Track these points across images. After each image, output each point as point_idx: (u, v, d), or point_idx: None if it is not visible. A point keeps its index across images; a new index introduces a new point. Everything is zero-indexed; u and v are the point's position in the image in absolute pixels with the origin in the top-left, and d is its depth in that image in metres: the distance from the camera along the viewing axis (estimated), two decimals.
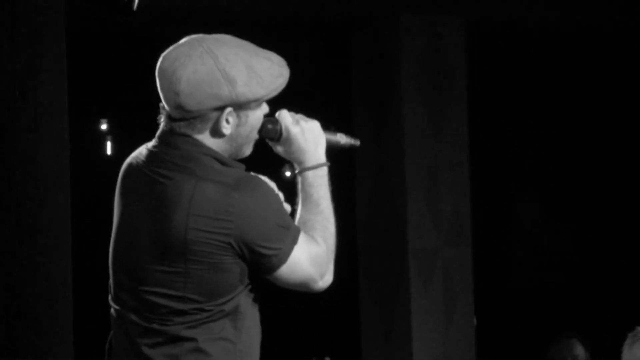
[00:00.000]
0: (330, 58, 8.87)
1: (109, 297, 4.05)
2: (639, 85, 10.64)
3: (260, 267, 3.88)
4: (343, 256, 4.22)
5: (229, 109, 3.86)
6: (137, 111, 9.81)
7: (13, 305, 2.63)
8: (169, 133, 3.92)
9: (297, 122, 4.02)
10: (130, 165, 4.01)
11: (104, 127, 10.35)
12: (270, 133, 4.01)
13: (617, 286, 10.89)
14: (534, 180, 11.10)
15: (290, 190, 4.19)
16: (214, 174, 3.86)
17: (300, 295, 4.21)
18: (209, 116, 3.89)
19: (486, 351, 8.50)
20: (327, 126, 4.09)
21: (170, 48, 3.94)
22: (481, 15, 8.22)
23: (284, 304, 4.22)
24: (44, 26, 2.70)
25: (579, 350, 7.68)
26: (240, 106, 3.88)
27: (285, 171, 4.36)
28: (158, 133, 3.96)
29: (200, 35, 3.92)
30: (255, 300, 4.01)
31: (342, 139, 4.17)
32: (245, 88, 3.86)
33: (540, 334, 8.05)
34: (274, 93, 3.92)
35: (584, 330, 7.94)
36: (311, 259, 3.96)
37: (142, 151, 3.98)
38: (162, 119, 3.94)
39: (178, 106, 3.87)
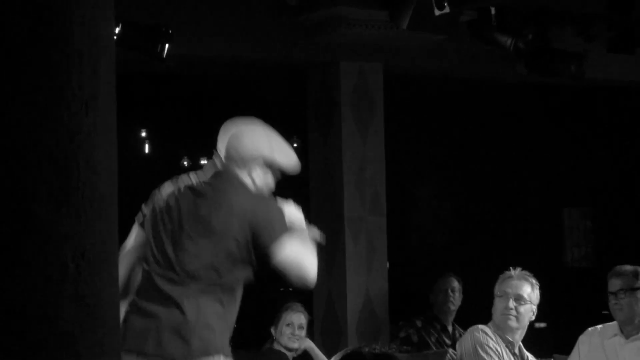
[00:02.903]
0: (291, 91, 8.86)
1: (150, 261, 4.00)
2: (493, 111, 10.72)
3: (262, 241, 3.92)
4: None
5: (261, 163, 3.97)
6: (166, 123, 9.80)
7: (78, 253, 2.63)
8: (226, 171, 4.00)
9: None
10: (186, 186, 4.02)
11: (143, 134, 10.30)
12: None
13: (485, 243, 10.94)
14: (428, 172, 11.14)
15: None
16: (245, 189, 3.97)
17: None
18: (248, 163, 4.01)
19: (395, 285, 8.51)
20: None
21: (244, 127, 4.06)
22: (394, 63, 8.24)
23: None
24: (102, 66, 2.71)
25: (455, 283, 7.68)
26: (267, 164, 3.99)
27: None
28: (211, 169, 4.02)
29: (263, 125, 4.07)
30: (241, 289, 4.02)
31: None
32: (277, 153, 4.04)
33: (431, 274, 8.06)
34: (287, 168, 4.06)
35: (460, 272, 7.95)
36: (300, 244, 4.00)
37: (194, 175, 4.05)
38: (216, 161, 4.01)
39: (234, 148, 3.98)
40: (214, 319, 3.86)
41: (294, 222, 4.04)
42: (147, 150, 10.18)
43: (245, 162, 3.98)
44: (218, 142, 4.05)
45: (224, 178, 3.97)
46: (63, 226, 2.59)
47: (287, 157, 4.07)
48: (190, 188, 4.00)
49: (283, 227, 3.93)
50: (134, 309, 3.96)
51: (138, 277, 4.06)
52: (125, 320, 3.88)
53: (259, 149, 3.99)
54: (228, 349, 3.94)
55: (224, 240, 3.87)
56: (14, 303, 2.56)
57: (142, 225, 4.09)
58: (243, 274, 3.95)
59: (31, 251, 2.57)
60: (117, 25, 5.91)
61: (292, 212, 4.05)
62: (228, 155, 3.99)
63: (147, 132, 10.30)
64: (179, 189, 4.02)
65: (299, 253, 3.96)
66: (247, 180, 3.99)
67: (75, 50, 2.62)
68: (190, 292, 3.87)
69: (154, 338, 3.86)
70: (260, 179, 4.01)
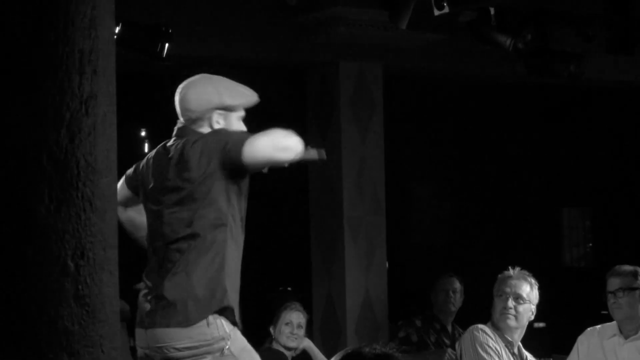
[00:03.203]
0: (292, 91, 8.86)
1: (146, 238, 4.08)
2: (488, 112, 10.73)
3: (231, 156, 3.87)
4: (300, 221, 4.25)
5: (218, 111, 3.99)
6: (165, 123, 9.81)
7: (79, 248, 2.65)
8: (184, 127, 4.02)
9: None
10: (156, 152, 4.11)
11: (143, 133, 10.32)
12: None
13: (484, 243, 10.95)
14: (427, 171, 11.15)
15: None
16: (202, 134, 3.98)
17: (271, 244, 4.22)
18: (205, 116, 4.01)
19: (394, 285, 8.51)
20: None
21: (186, 85, 4.07)
22: (394, 63, 8.24)
23: (264, 259, 4.21)
24: (102, 66, 2.71)
25: (456, 284, 7.64)
26: (225, 109, 4.00)
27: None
28: (176, 131, 4.08)
29: (204, 73, 4.06)
30: (238, 238, 4.00)
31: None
32: (227, 97, 4.01)
33: (430, 274, 8.06)
34: (246, 104, 4.04)
35: (459, 271, 7.94)
36: (265, 136, 3.91)
37: (162, 145, 4.12)
38: (177, 128, 4.05)
39: (187, 110, 4.01)
40: (207, 284, 3.89)
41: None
42: (146, 149, 10.19)
43: (202, 116, 4.02)
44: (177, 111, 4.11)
45: (184, 134, 4.02)
46: (63, 225, 2.59)
47: (238, 95, 4.06)
48: (159, 156, 4.07)
49: (245, 135, 3.93)
50: (142, 288, 4.07)
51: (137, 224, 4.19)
52: (139, 300, 4.05)
53: (207, 99, 4.00)
54: (229, 304, 3.95)
55: (201, 193, 3.90)
56: (14, 302, 2.57)
57: (127, 182, 4.20)
58: (233, 225, 3.94)
59: (31, 250, 2.57)
60: (117, 25, 5.91)
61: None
62: (186, 118, 4.05)
63: (146, 131, 10.31)
64: (149, 161, 4.13)
65: (266, 136, 3.89)
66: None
67: (75, 50, 2.63)
68: (180, 262, 3.93)
69: (153, 311, 3.94)
70: (223, 127, 4.03)
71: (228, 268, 3.92)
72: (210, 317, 3.87)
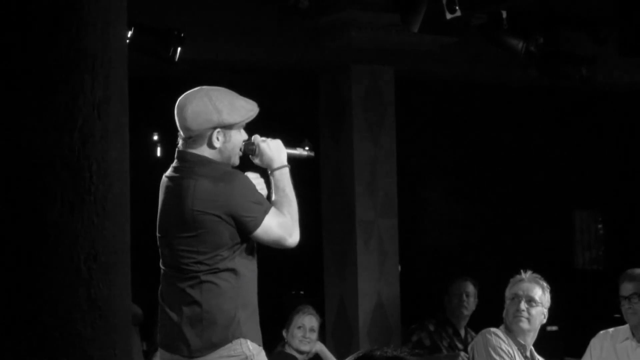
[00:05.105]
0: (304, 95, 8.85)
1: (160, 262, 4.09)
2: (494, 116, 10.71)
3: (243, 229, 3.92)
4: (312, 225, 4.24)
5: (218, 129, 3.95)
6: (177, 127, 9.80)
7: (90, 256, 2.65)
8: (183, 152, 3.99)
9: (264, 140, 4.09)
10: (164, 178, 4.09)
11: (155, 137, 10.31)
12: (249, 150, 4.08)
13: (495, 246, 10.92)
14: (438, 175, 11.13)
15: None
16: (206, 172, 3.95)
17: (287, 252, 4.19)
18: (205, 134, 3.96)
19: (406, 288, 8.49)
20: (290, 143, 4.15)
21: (183, 95, 4.02)
22: (405, 66, 8.23)
23: (276, 263, 4.22)
24: (114, 70, 2.71)
25: (470, 288, 7.58)
26: (225, 127, 3.96)
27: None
28: (176, 153, 4.04)
29: (203, 86, 4.02)
30: (248, 264, 4.01)
31: (300, 151, 4.20)
32: (227, 115, 3.96)
33: (443, 277, 8.03)
34: (246, 120, 4.00)
35: (472, 274, 7.91)
36: (279, 224, 4.00)
37: (170, 168, 4.06)
38: (179, 142, 4.02)
39: (186, 129, 3.96)
40: (222, 309, 3.90)
41: (273, 158, 4.03)
42: (158, 153, 10.19)
43: (200, 135, 3.96)
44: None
45: (187, 166, 3.97)
46: (76, 229, 2.59)
47: (238, 111, 3.97)
48: (167, 183, 4.05)
49: (260, 209, 3.94)
50: (160, 308, 4.10)
51: None
52: (158, 318, 4.09)
53: (206, 118, 3.93)
54: (251, 331, 3.96)
55: (208, 223, 3.88)
56: (27, 305, 2.57)
57: None
58: (240, 253, 3.95)
59: (44, 254, 2.57)
60: (129, 29, 5.91)
61: (275, 145, 4.07)
62: (186, 135, 4.00)
63: (158, 135, 10.31)
64: (162, 185, 4.09)
65: (279, 231, 3.98)
66: (209, 153, 3.97)
67: (88, 55, 2.62)
68: (192, 287, 3.95)
69: (173, 335, 3.99)
70: (222, 144, 3.97)
71: (242, 293, 3.95)
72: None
